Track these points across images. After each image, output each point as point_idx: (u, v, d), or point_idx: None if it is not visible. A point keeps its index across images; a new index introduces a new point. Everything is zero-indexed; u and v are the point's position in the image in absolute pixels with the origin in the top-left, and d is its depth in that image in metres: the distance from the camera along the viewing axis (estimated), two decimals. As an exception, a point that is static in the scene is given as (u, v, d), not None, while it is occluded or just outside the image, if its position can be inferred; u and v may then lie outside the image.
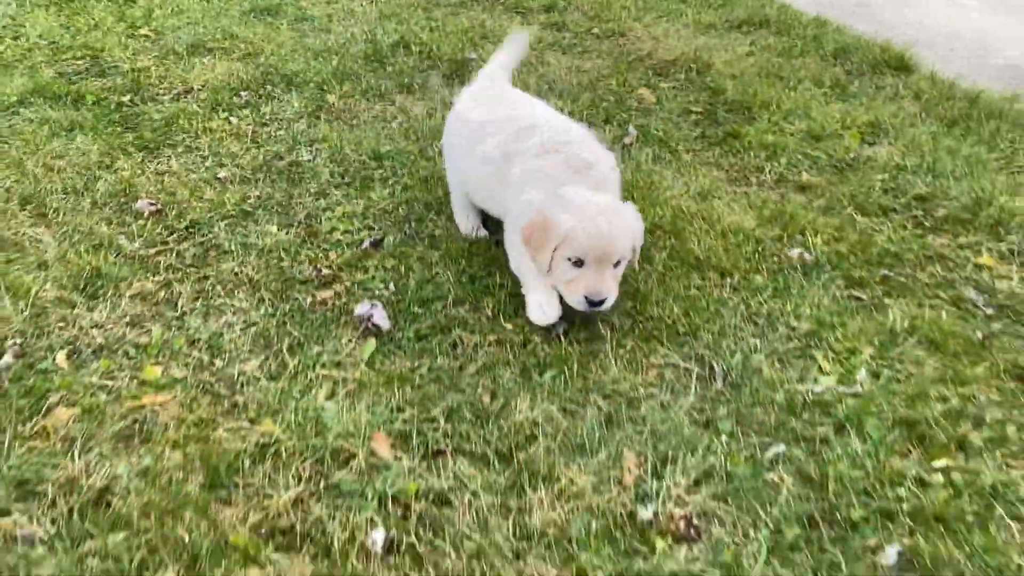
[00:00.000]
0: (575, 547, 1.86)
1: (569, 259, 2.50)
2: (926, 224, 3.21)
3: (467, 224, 3.09)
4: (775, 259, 2.96)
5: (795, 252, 2.98)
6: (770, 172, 3.60)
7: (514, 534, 1.90)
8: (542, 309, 2.58)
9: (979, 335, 2.59)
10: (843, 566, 1.85)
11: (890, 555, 1.86)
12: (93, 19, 5.08)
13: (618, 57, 4.86)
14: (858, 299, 2.78)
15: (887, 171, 3.56)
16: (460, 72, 4.52)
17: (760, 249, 3.00)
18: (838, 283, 2.84)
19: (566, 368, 2.44)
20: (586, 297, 2.49)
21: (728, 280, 2.85)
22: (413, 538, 1.88)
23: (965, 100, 4.19)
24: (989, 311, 2.73)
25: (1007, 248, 3.05)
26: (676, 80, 4.55)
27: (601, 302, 2.50)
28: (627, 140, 3.83)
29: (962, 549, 1.88)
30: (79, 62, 4.49)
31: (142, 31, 4.98)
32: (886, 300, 2.77)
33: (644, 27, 5.31)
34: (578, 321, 2.62)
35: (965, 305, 2.76)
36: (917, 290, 2.83)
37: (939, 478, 2.06)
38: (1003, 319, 2.70)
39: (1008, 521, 1.97)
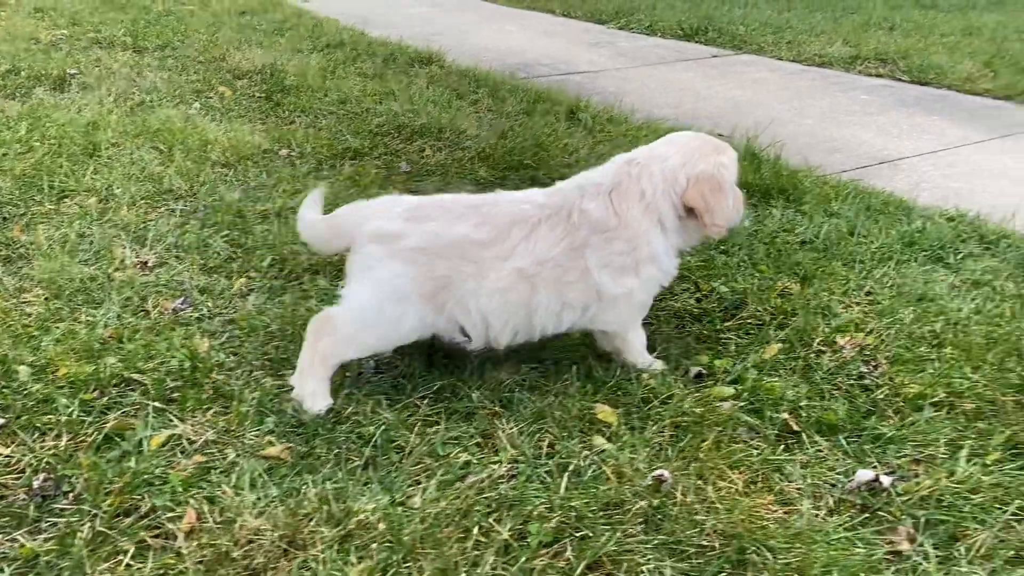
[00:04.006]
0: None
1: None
2: (396, 137, 4.98)
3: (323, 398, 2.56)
4: (270, 157, 4.55)
5: (283, 152, 4.61)
6: (300, 123, 5.27)
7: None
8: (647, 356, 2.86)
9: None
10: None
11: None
12: None
13: (211, 71, 6.44)
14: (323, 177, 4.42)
15: (384, 116, 5.35)
16: (61, 85, 5.87)
17: (263, 151, 4.59)
18: (311, 168, 4.46)
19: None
20: None
21: (231, 169, 4.38)
22: None
23: (459, 74, 6.20)
24: (407, 170, 4.48)
25: (432, 145, 4.88)
26: (252, 80, 6.20)
27: None
28: (191, 112, 5.34)
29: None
30: None
31: None
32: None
33: (240, 53, 6.99)
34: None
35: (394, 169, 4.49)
36: (368, 165, 4.53)
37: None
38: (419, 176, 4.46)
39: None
